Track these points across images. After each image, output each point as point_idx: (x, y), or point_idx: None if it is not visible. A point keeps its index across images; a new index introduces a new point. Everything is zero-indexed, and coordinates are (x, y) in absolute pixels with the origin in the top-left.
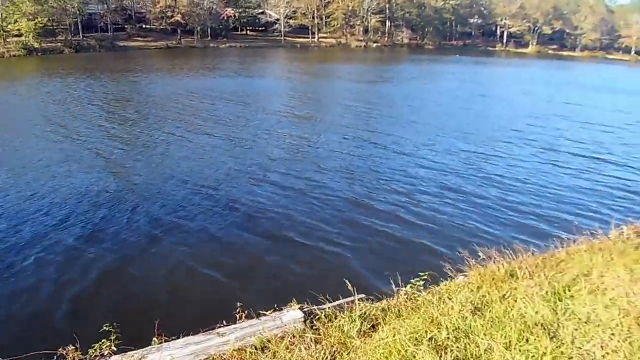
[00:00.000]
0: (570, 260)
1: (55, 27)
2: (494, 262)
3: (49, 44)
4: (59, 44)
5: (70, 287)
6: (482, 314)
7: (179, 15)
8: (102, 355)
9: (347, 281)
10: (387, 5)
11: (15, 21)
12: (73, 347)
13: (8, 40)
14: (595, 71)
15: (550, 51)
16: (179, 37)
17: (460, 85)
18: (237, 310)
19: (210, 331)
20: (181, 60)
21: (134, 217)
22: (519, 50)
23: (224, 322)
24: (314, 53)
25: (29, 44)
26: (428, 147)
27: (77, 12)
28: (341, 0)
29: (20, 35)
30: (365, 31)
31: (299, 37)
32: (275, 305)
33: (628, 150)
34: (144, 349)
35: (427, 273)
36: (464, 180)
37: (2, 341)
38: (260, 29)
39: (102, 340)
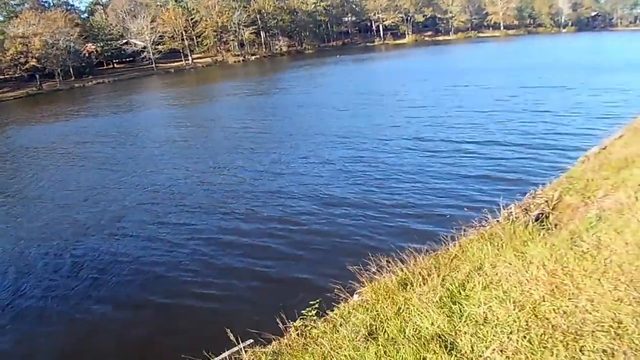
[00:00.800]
0: (463, 254)
1: None
2: (386, 273)
3: None
4: None
5: None
6: (376, 338)
7: (34, 59)
8: None
9: (227, 330)
10: (257, 16)
11: None
12: None
13: None
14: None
15: (427, 38)
16: (38, 82)
17: (336, 87)
18: None
19: None
20: (44, 106)
21: None
22: (397, 41)
23: None
24: (189, 76)
25: None
26: (301, 161)
27: None
28: (209, 18)
29: None
30: (241, 45)
31: (172, 62)
32: None
33: (501, 128)
34: None
35: (318, 300)
36: (338, 189)
37: None
38: (128, 59)
39: None
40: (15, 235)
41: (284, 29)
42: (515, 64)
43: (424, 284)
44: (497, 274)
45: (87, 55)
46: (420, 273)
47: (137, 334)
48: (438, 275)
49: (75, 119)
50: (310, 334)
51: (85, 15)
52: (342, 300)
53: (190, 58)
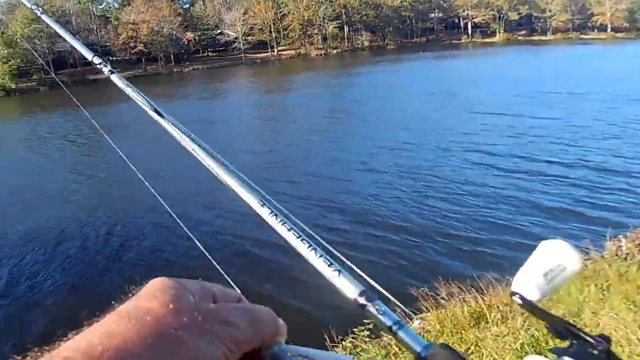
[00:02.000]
0: (556, 293)
1: (28, 68)
2: (457, 302)
3: (25, 84)
4: (34, 82)
5: None
6: None
7: (142, 44)
8: None
9: None
10: (342, 11)
11: None
12: None
13: None
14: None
15: (520, 37)
16: (144, 65)
17: (412, 84)
18: None
19: None
20: (146, 88)
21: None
22: (487, 40)
23: None
24: (274, 67)
25: (6, 85)
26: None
27: (47, 51)
28: (296, 12)
29: None
30: (324, 39)
31: (259, 53)
32: None
33: (601, 147)
34: None
35: (372, 320)
36: (398, 203)
37: None
38: (220, 49)
39: None
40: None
41: (368, 23)
42: (626, 70)
43: (502, 322)
44: (598, 325)
45: (186, 42)
46: (498, 308)
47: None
48: (522, 314)
49: (171, 100)
50: (359, 358)
51: (187, 5)
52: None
53: (275, 50)
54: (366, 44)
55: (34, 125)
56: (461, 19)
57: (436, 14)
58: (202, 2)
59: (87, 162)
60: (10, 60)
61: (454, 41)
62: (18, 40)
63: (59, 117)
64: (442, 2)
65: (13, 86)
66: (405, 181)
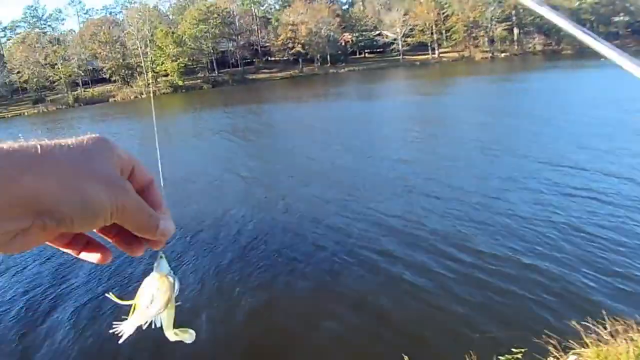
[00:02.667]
0: None
1: (194, 66)
2: (622, 341)
3: (190, 81)
4: (199, 80)
5: None
6: None
7: (300, 45)
8: None
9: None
10: (513, 12)
11: (162, 63)
12: None
13: (158, 80)
14: None
15: None
16: (301, 66)
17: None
18: None
19: None
20: (304, 88)
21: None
22: None
23: None
24: (434, 69)
25: (174, 82)
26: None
27: (212, 51)
28: (461, 12)
29: (167, 75)
30: (491, 41)
31: (419, 55)
32: None
33: None
34: None
35: (522, 350)
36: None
37: None
38: (378, 50)
39: None
40: None
41: (541, 26)
42: None
43: None
44: None
45: (343, 44)
46: None
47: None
48: None
49: (325, 100)
50: None
51: (346, 6)
52: (552, 357)
53: (437, 52)
54: (538, 47)
55: (195, 120)
56: None
57: (621, 18)
58: (361, 3)
59: (252, 155)
60: (178, 59)
61: None
62: (186, 40)
63: (219, 114)
64: (628, 5)
65: (180, 83)
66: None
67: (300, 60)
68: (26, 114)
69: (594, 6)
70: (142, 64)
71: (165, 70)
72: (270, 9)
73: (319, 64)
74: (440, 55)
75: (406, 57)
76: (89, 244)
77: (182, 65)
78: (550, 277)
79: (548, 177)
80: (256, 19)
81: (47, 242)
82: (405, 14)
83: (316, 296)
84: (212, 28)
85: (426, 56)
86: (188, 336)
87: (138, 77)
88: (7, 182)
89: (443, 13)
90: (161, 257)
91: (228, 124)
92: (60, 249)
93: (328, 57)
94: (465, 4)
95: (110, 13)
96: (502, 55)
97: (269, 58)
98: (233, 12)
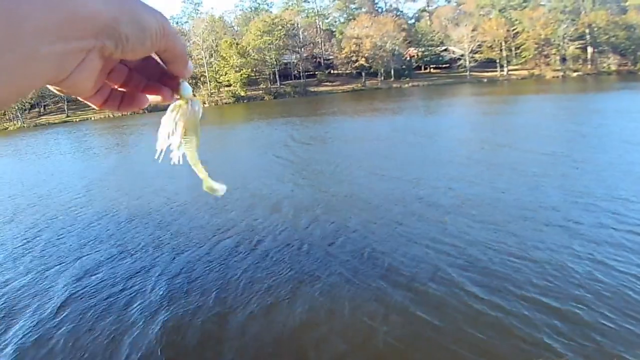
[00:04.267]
0: None
1: (257, 77)
2: None
3: (252, 92)
4: (260, 91)
5: None
6: None
7: (363, 59)
8: None
9: None
10: (586, 30)
11: (225, 73)
12: None
13: (220, 90)
14: None
15: None
16: (363, 79)
17: None
18: None
19: None
20: (365, 101)
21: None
22: None
23: None
24: (502, 87)
25: (236, 92)
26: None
27: (274, 62)
28: (532, 29)
29: (229, 85)
30: (563, 60)
31: (486, 72)
32: None
33: None
34: None
35: None
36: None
37: None
38: (444, 66)
39: None
40: None
41: (616, 45)
42: None
43: None
44: None
45: (408, 58)
46: None
47: None
48: None
49: (384, 114)
50: None
51: (412, 21)
52: None
53: (505, 69)
54: (613, 67)
55: (253, 130)
56: None
57: None
58: (428, 18)
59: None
60: (242, 70)
61: None
62: (250, 51)
63: (276, 125)
64: None
65: (243, 93)
66: None
67: (363, 73)
68: (92, 118)
69: None
70: (206, 74)
71: (228, 80)
72: (335, 22)
73: (382, 78)
74: (509, 72)
75: (473, 73)
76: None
77: (245, 75)
78: None
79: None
80: (320, 32)
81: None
82: (473, 30)
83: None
84: (276, 40)
85: (494, 73)
86: (218, 186)
87: (202, 87)
88: (75, 1)
89: (513, 30)
90: (182, 81)
91: (283, 134)
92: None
93: (392, 71)
94: (536, 21)
95: (177, 23)
96: (575, 74)
97: (332, 71)
98: (297, 24)
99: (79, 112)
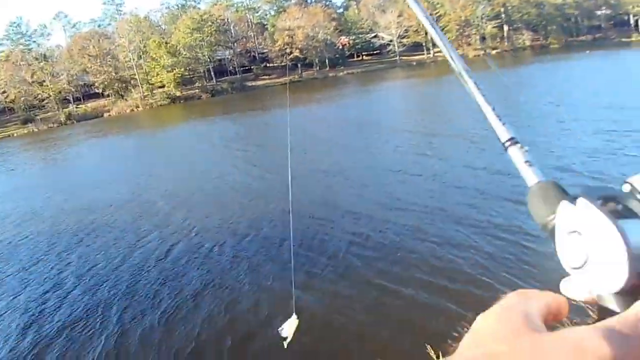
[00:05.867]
0: None
1: (191, 76)
2: None
3: (188, 92)
4: (197, 90)
5: None
6: None
7: (297, 50)
8: None
9: (428, 346)
10: (502, 10)
11: (157, 74)
12: None
13: (154, 92)
14: None
15: None
16: (300, 71)
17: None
18: None
19: None
20: (304, 93)
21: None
22: None
23: None
24: (429, 69)
25: (171, 93)
26: None
27: (208, 59)
28: (452, 12)
29: (163, 87)
30: (482, 39)
31: (414, 55)
32: None
33: None
34: None
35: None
36: None
37: None
38: (375, 52)
39: None
40: None
41: (529, 22)
42: None
43: None
44: None
45: (340, 47)
46: None
47: None
48: None
49: (328, 105)
50: None
51: (341, 10)
52: None
53: (432, 51)
54: (527, 43)
55: (193, 130)
56: (631, 15)
57: (603, 12)
58: (355, 6)
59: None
60: (174, 69)
61: (623, 39)
62: (181, 49)
63: (218, 123)
64: None
65: (178, 94)
66: None
67: (298, 65)
68: (15, 134)
69: (578, 1)
70: (137, 77)
71: (161, 81)
72: (266, 14)
73: (317, 68)
74: (435, 54)
75: (403, 57)
76: None
77: (179, 75)
78: None
79: None
80: (252, 26)
81: None
82: (399, 15)
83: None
84: (207, 36)
85: (422, 56)
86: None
87: (133, 90)
88: None
89: (436, 13)
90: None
91: (227, 132)
92: None
93: (326, 60)
94: (456, 3)
95: (99, 26)
96: (494, 52)
97: (267, 64)
98: (228, 19)
99: None
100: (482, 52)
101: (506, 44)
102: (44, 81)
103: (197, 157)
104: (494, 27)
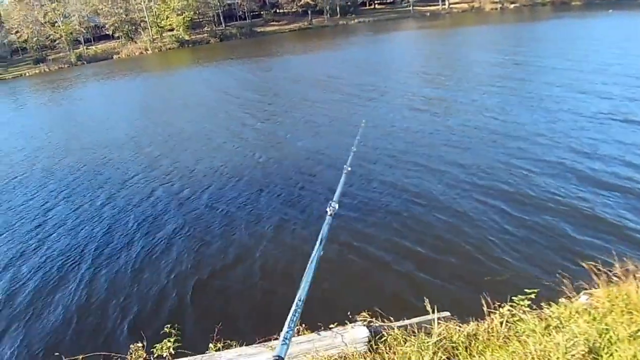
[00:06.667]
0: None
1: (200, 20)
2: (633, 280)
3: (197, 36)
4: (205, 34)
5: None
6: (598, 358)
7: None
8: (162, 357)
9: (425, 298)
10: None
11: (167, 17)
12: (140, 345)
13: (163, 35)
14: None
15: None
16: (310, 18)
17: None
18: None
19: (265, 343)
20: (313, 40)
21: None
22: None
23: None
24: (443, 20)
25: (180, 36)
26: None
27: (218, 3)
28: None
29: (172, 30)
30: None
31: (429, 5)
32: (344, 320)
33: None
34: (198, 356)
35: (535, 291)
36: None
37: (68, 339)
38: (388, 1)
39: (164, 341)
40: None
41: None
42: None
43: None
44: None
45: None
46: None
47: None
48: None
49: (336, 50)
50: (515, 327)
51: None
52: (564, 298)
53: (447, 2)
54: None
55: (199, 74)
56: None
57: None
58: None
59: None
60: (184, 12)
61: None
62: None
63: (224, 68)
64: None
65: (187, 38)
66: None
67: (309, 12)
68: (27, 74)
69: None
70: (147, 19)
71: (170, 24)
72: None
73: (328, 15)
74: (451, 6)
75: (416, 8)
76: None
77: (188, 19)
78: (563, 219)
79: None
80: None
81: None
82: None
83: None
84: None
85: (436, 7)
86: None
87: (142, 33)
88: None
89: None
90: None
91: (234, 77)
92: None
93: (337, 8)
94: None
95: None
96: (512, 6)
97: (277, 10)
98: None
99: (11, 69)
100: (500, 5)
101: None
102: (55, 22)
103: (198, 101)
104: None
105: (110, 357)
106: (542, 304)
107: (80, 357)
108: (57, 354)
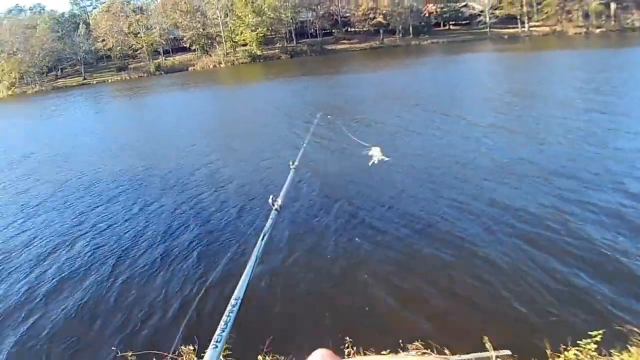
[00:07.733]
0: None
1: (273, 36)
2: None
3: (268, 51)
4: (277, 50)
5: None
6: None
7: (381, 16)
8: None
9: (485, 337)
10: None
11: (241, 32)
12: (192, 348)
13: (237, 49)
14: None
15: None
16: (381, 37)
17: None
18: (346, 345)
19: None
20: (381, 58)
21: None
22: None
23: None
24: (523, 43)
25: (252, 51)
26: None
27: (290, 20)
28: None
29: (245, 45)
30: (586, 16)
31: (507, 28)
32: (396, 347)
33: None
34: None
35: (600, 332)
36: None
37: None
38: (463, 22)
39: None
40: None
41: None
42: None
43: None
44: None
45: (426, 15)
46: None
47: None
48: None
49: (406, 71)
50: None
51: None
52: (632, 342)
53: (526, 25)
54: (637, 24)
55: (268, 89)
56: None
57: None
58: None
59: None
60: (257, 28)
61: None
62: (265, 9)
63: (294, 83)
64: None
65: (259, 53)
66: None
67: (381, 31)
68: (109, 80)
69: None
70: (222, 34)
71: (244, 39)
72: None
73: (400, 35)
74: (530, 29)
75: (493, 30)
76: None
77: (261, 35)
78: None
79: None
80: None
81: None
82: None
83: None
84: None
85: (515, 30)
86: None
87: (217, 47)
88: None
89: None
90: None
91: (302, 91)
92: None
93: (410, 28)
94: None
95: None
96: (598, 30)
97: (349, 29)
98: None
99: (96, 75)
100: (585, 30)
101: (612, 23)
102: (138, 33)
103: (264, 115)
104: (599, 3)
105: (161, 356)
106: (612, 350)
107: (130, 353)
108: (113, 348)
